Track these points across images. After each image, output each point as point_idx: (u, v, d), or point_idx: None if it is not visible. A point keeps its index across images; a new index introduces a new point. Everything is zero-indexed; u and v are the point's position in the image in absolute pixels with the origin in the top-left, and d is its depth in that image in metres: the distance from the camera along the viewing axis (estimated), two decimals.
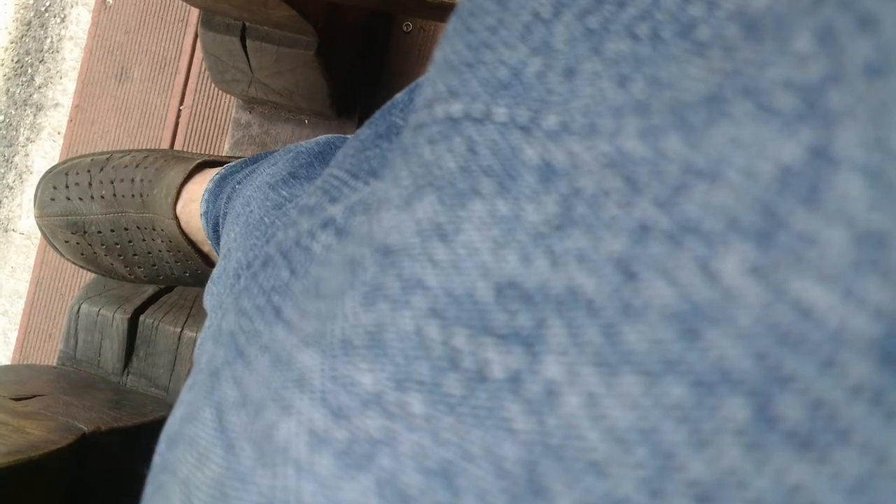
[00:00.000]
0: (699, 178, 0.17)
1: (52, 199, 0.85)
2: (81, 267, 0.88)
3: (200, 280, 0.86)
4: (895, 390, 0.14)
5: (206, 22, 0.87)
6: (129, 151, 0.88)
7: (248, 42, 0.88)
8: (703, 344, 0.16)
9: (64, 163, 0.88)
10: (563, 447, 0.17)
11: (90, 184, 0.84)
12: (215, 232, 0.78)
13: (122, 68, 1.26)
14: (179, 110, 1.23)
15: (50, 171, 0.87)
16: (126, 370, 0.85)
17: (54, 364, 0.88)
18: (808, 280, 0.15)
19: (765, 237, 0.16)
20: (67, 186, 0.85)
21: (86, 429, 0.66)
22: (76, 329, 0.85)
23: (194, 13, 1.22)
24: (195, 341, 0.83)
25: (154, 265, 0.85)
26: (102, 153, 0.88)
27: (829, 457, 0.14)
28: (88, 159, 0.87)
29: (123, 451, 0.72)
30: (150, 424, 0.74)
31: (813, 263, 0.15)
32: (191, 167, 0.83)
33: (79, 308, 0.85)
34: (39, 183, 0.86)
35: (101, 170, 0.85)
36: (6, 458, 0.55)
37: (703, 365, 0.16)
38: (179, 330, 0.84)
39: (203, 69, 1.21)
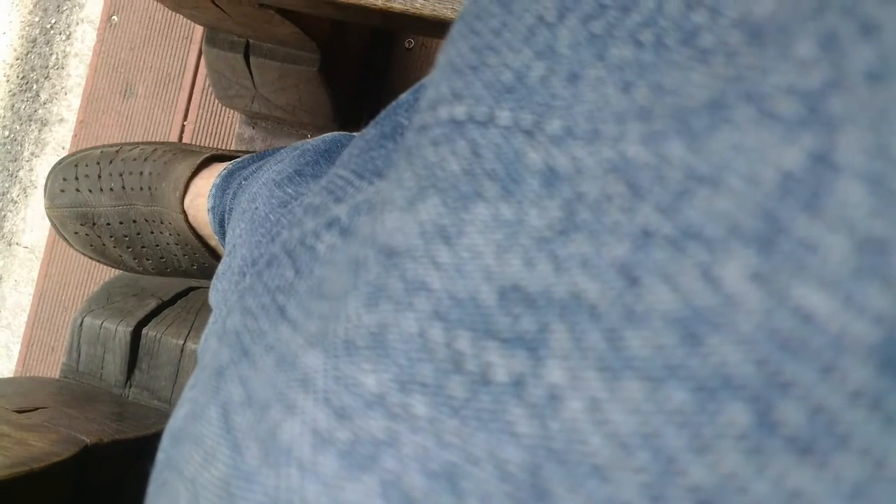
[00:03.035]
0: (701, 183, 0.17)
1: (62, 191, 0.85)
2: (90, 258, 0.88)
3: (207, 273, 0.87)
4: (894, 396, 0.14)
5: (210, 39, 0.88)
6: (138, 144, 0.89)
7: (251, 59, 0.88)
8: (705, 349, 0.16)
9: (73, 155, 0.88)
10: (565, 451, 0.17)
11: (99, 176, 0.85)
12: (221, 227, 0.78)
13: (127, 85, 1.27)
14: (183, 126, 1.23)
15: (60, 162, 0.87)
16: (128, 382, 0.85)
17: (57, 377, 0.88)
18: (809, 286, 0.15)
19: (766, 243, 0.16)
20: (77, 178, 0.85)
21: (88, 441, 0.66)
22: (79, 342, 0.85)
23: (198, 30, 1.23)
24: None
25: (162, 257, 0.86)
26: (112, 145, 0.89)
27: (829, 462, 0.14)
28: (98, 151, 0.88)
29: (125, 463, 0.72)
30: (152, 437, 0.74)
31: (814, 270, 0.15)
32: (199, 161, 0.84)
33: (82, 321, 0.85)
34: (49, 174, 0.87)
35: (111, 162, 0.86)
36: (8, 470, 0.55)
37: (704, 370, 0.16)
38: (182, 342, 0.83)
39: (207, 86, 1.21)
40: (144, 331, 0.84)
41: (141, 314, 0.86)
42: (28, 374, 1.30)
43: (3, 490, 0.53)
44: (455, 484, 0.18)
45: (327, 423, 0.21)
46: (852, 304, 0.14)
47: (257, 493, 0.22)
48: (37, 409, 0.72)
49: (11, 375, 1.44)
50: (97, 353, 0.85)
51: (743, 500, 0.15)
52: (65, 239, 0.88)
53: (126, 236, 0.85)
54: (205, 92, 1.22)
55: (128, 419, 0.76)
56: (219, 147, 1.18)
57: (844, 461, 0.14)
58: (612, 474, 0.16)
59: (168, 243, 0.84)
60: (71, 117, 1.51)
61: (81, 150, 0.88)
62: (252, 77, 0.92)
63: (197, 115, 1.22)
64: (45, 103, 1.55)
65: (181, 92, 1.24)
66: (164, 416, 0.81)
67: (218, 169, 0.83)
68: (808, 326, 0.15)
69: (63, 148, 1.52)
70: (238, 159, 0.82)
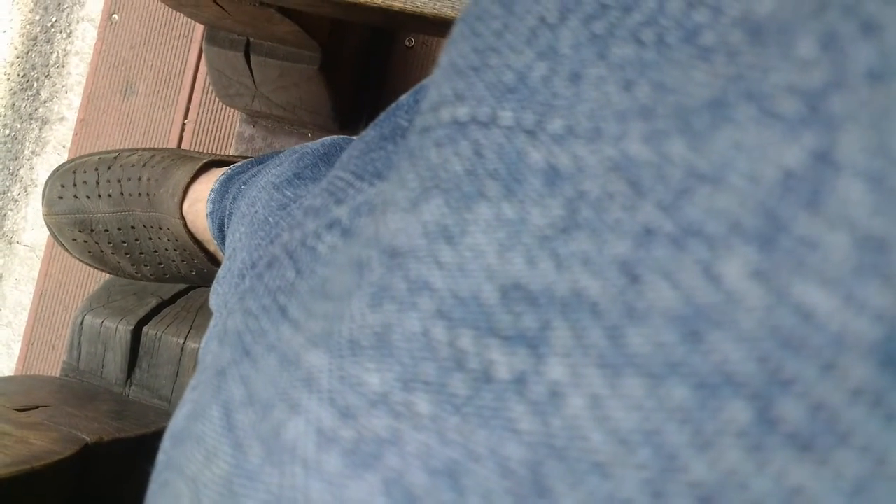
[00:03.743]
0: (702, 181, 0.17)
1: (60, 198, 0.85)
2: (88, 265, 0.88)
3: (206, 279, 0.87)
4: (895, 393, 0.14)
5: (211, 37, 0.88)
6: (137, 150, 0.89)
7: (252, 57, 0.88)
8: (706, 347, 0.16)
9: (71, 161, 0.88)
10: (567, 448, 0.17)
11: (97, 182, 0.85)
12: (221, 232, 0.78)
13: (127, 83, 1.27)
14: (184, 125, 1.23)
15: (58, 169, 0.87)
16: (129, 381, 0.85)
17: (58, 375, 0.88)
18: (809, 284, 0.15)
19: (767, 241, 0.16)
20: (75, 185, 0.85)
21: (88, 439, 0.66)
22: (79, 340, 0.85)
23: (199, 29, 1.23)
24: (198, 353, 0.82)
25: (160, 264, 0.86)
26: (110, 151, 0.89)
27: (830, 459, 0.14)
28: (96, 158, 0.88)
29: (126, 461, 0.72)
30: (152, 435, 0.74)
31: (815, 267, 0.15)
32: (197, 167, 0.84)
33: (82, 319, 0.85)
34: (47, 181, 0.87)
35: (109, 168, 0.86)
36: (9, 468, 0.55)
37: (705, 367, 0.16)
38: (182, 341, 0.83)
39: (207, 84, 1.22)
40: (145, 329, 0.85)
41: (141, 312, 0.86)
42: (29, 373, 1.30)
43: (3, 488, 0.53)
44: (457, 481, 0.18)
45: (332, 422, 0.21)
46: (853, 302, 0.15)
47: (260, 491, 0.22)
48: (37, 407, 0.72)
49: (12, 374, 1.44)
50: (98, 352, 0.85)
51: (743, 497, 0.15)
52: (62, 245, 0.87)
53: (124, 242, 0.85)
54: (205, 91, 1.22)
55: (128, 417, 0.76)
56: (218, 148, 1.18)
57: (845, 458, 0.14)
58: (613, 471, 0.16)
59: (167, 249, 0.84)
60: (72, 116, 1.51)
61: (79, 157, 0.88)
62: (252, 75, 0.92)
63: (197, 114, 1.22)
64: (45, 102, 1.54)
65: (182, 90, 1.24)
66: (164, 414, 0.81)
67: (216, 174, 0.83)
68: (809, 324, 0.15)
69: (64, 146, 1.52)
70: (237, 164, 0.83)
